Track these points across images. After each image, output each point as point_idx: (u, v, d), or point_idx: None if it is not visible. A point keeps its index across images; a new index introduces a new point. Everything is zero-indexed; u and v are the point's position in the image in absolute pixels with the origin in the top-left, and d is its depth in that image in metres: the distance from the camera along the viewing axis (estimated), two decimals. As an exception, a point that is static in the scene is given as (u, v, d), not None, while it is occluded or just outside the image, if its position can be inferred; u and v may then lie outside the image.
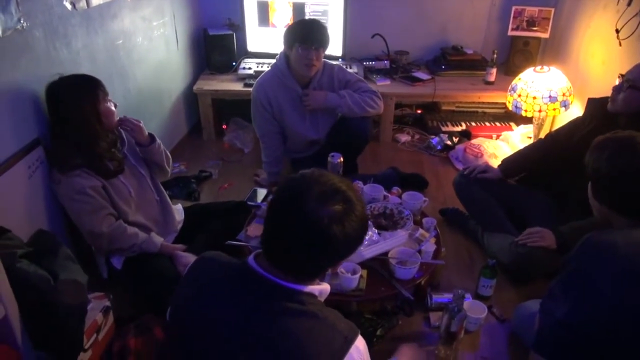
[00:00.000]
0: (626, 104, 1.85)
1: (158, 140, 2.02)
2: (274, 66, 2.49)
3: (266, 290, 1.02)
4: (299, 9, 3.26)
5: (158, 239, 1.94)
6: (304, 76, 2.43)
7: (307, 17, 3.18)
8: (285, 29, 2.39)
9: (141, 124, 1.94)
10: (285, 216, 1.01)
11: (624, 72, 1.92)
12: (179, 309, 1.11)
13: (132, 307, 1.86)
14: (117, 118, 1.86)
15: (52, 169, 1.77)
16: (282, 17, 3.29)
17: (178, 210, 2.22)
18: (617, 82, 1.92)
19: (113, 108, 1.82)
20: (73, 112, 1.72)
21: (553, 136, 2.27)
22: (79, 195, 1.75)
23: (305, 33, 2.30)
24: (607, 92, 2.01)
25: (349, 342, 1.00)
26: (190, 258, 1.90)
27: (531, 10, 3.21)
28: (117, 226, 1.83)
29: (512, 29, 3.30)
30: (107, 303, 1.63)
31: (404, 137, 3.36)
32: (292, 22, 3.26)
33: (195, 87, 3.20)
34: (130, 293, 1.92)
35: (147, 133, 1.97)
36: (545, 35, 3.24)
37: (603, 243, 1.26)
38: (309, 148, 2.71)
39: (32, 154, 1.72)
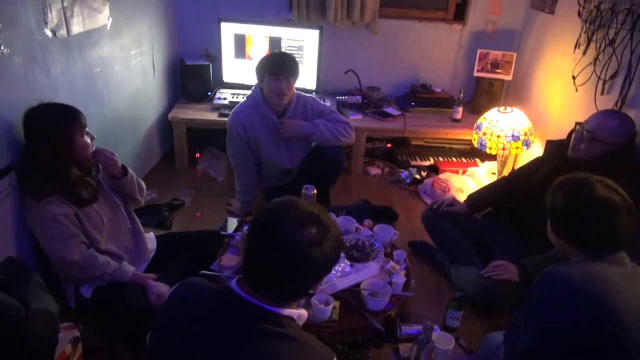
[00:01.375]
0: (588, 153, 1.97)
1: (131, 172, 2.01)
2: (249, 97, 2.54)
3: (248, 313, 1.06)
4: (275, 43, 3.35)
5: (129, 268, 1.92)
6: (278, 105, 2.50)
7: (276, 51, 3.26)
8: (259, 61, 2.46)
9: (115, 158, 1.93)
10: (264, 244, 1.05)
11: (580, 118, 2.05)
12: (160, 333, 1.12)
13: (101, 337, 1.82)
14: (92, 149, 1.85)
15: (25, 195, 1.75)
16: (259, 50, 3.37)
17: (150, 238, 2.20)
18: (576, 130, 2.03)
19: (89, 141, 1.80)
20: (47, 142, 1.72)
21: (516, 174, 2.39)
22: (51, 222, 1.73)
23: (274, 64, 2.38)
24: (564, 133, 2.14)
25: None
26: (162, 287, 1.89)
27: (495, 54, 3.40)
28: (89, 254, 1.81)
29: (478, 71, 3.47)
30: (77, 333, 1.60)
31: (375, 170, 3.45)
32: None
33: (170, 115, 3.22)
34: (99, 323, 1.89)
35: (120, 165, 1.96)
36: (508, 78, 3.43)
37: (559, 277, 1.34)
38: (283, 177, 2.75)
39: (4, 180, 1.70)
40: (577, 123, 2.04)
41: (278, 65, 2.37)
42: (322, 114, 2.62)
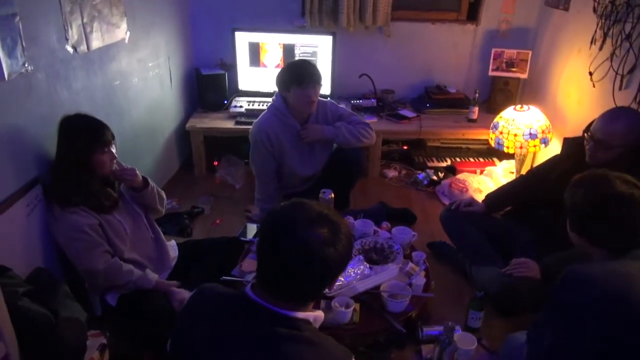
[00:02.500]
0: (606, 160, 1.92)
1: (151, 184, 2.04)
2: (271, 107, 2.57)
3: (264, 318, 1.07)
4: (289, 50, 3.39)
5: (153, 276, 1.96)
6: (303, 113, 2.53)
7: (296, 59, 3.30)
8: (278, 73, 2.48)
9: (135, 171, 1.96)
10: (277, 247, 1.05)
11: (598, 114, 2.01)
12: (180, 340, 1.14)
13: (127, 344, 1.86)
14: (113, 167, 1.88)
15: (52, 204, 1.80)
16: (273, 58, 3.41)
17: (172, 246, 2.24)
18: (586, 140, 1.99)
19: (107, 159, 1.83)
20: (67, 152, 1.78)
21: (534, 173, 2.38)
22: (76, 233, 1.77)
23: (302, 74, 2.40)
24: (582, 130, 2.12)
25: None
26: (185, 294, 1.92)
27: (510, 53, 3.38)
28: (113, 263, 1.85)
29: (493, 70, 3.46)
30: (104, 341, 1.63)
31: (392, 173, 3.45)
32: (282, 62, 3.39)
33: (187, 125, 3.27)
34: (125, 330, 1.93)
35: (140, 179, 1.99)
36: (524, 76, 3.40)
37: (582, 275, 1.32)
38: (304, 183, 2.78)
39: (31, 193, 1.76)
40: (584, 131, 2.01)
41: (307, 75, 2.40)
42: (342, 117, 2.65)
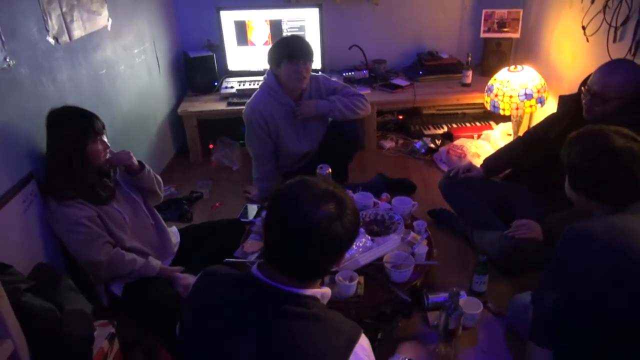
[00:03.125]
0: (604, 113, 1.89)
1: (147, 167, 2.04)
2: (263, 85, 2.52)
3: (271, 297, 1.07)
4: (276, 26, 3.33)
5: (156, 263, 1.96)
6: (296, 90, 2.49)
7: (285, 34, 3.24)
8: (269, 49, 2.44)
9: (130, 153, 1.95)
10: (285, 225, 1.05)
11: (593, 69, 1.97)
12: (188, 322, 1.15)
13: (136, 331, 1.87)
14: (107, 156, 1.86)
15: (47, 198, 1.79)
16: (260, 35, 3.35)
17: (173, 232, 2.24)
18: (583, 93, 1.95)
19: (100, 148, 1.81)
20: (59, 145, 1.76)
21: (531, 133, 2.35)
22: (75, 226, 1.77)
23: (291, 49, 2.36)
24: (577, 87, 2.09)
25: (354, 341, 1.05)
26: (189, 279, 1.93)
27: (501, 13, 3.32)
28: (115, 253, 1.85)
29: (484, 32, 3.40)
30: (112, 330, 1.65)
31: (389, 144, 3.43)
32: (270, 39, 3.34)
33: (179, 110, 3.24)
34: (132, 318, 1.94)
35: (136, 161, 1.99)
36: (516, 36, 3.35)
37: (583, 232, 1.31)
38: (301, 160, 2.76)
39: (26, 188, 1.75)
40: (581, 85, 1.98)
41: (296, 51, 2.35)
42: (336, 91, 2.62)
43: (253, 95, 2.55)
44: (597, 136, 1.41)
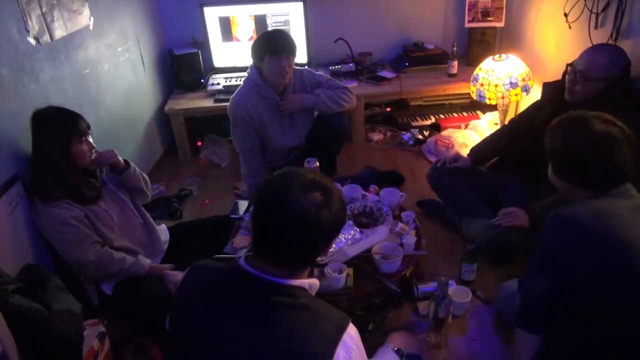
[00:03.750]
0: (585, 94, 1.92)
1: (133, 165, 2.03)
2: (247, 80, 2.52)
3: (258, 288, 1.08)
4: (260, 21, 3.31)
5: (146, 261, 1.96)
6: (279, 84, 2.49)
7: (269, 29, 3.23)
8: (252, 43, 2.43)
9: (115, 152, 1.94)
10: (273, 214, 1.07)
11: (576, 55, 2.00)
12: (177, 316, 1.16)
13: (126, 330, 1.87)
14: (92, 156, 1.85)
15: (34, 200, 1.78)
16: (245, 31, 3.34)
17: (163, 230, 2.24)
18: (568, 72, 1.98)
19: (86, 149, 1.80)
20: (43, 146, 1.75)
21: (516, 121, 2.37)
22: (62, 226, 1.76)
23: (274, 43, 2.35)
24: (561, 74, 2.11)
25: (342, 330, 1.07)
26: (179, 276, 1.90)
27: (484, 2, 3.33)
28: (104, 253, 1.85)
29: (469, 21, 3.41)
30: (102, 329, 1.65)
31: (377, 136, 3.44)
32: (255, 34, 3.33)
33: (166, 108, 3.22)
34: (123, 317, 1.94)
35: (121, 160, 1.98)
36: (501, 24, 3.36)
37: (567, 217, 1.33)
38: (289, 155, 2.76)
39: (12, 190, 1.74)
40: (567, 65, 2.00)
41: (278, 45, 2.34)
42: (320, 84, 2.61)
43: (237, 91, 2.55)
44: (578, 122, 1.42)
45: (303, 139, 2.70)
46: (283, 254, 1.09)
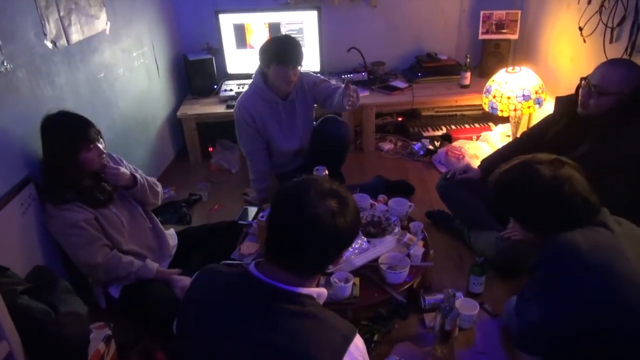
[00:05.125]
0: (598, 108, 1.90)
1: (141, 182, 2.01)
2: (251, 84, 2.56)
3: (267, 294, 1.08)
4: (274, 29, 3.34)
5: (153, 265, 1.97)
6: (283, 92, 2.51)
7: (281, 34, 3.23)
8: (261, 46, 2.44)
9: (120, 172, 1.92)
10: (290, 218, 1.09)
11: (590, 69, 1.98)
12: (185, 320, 1.17)
13: (133, 334, 1.88)
14: (103, 162, 1.86)
15: (45, 203, 1.80)
16: (259, 38, 3.36)
17: (171, 235, 2.25)
18: (582, 86, 1.96)
19: (95, 156, 1.81)
20: (53, 152, 1.77)
21: (528, 134, 2.35)
22: (72, 229, 1.78)
23: (282, 53, 2.36)
24: (575, 88, 2.09)
25: (348, 340, 1.06)
26: (187, 281, 1.93)
27: (499, 14, 3.32)
28: (112, 256, 1.86)
29: (483, 33, 3.40)
30: (109, 332, 1.66)
31: (387, 145, 3.44)
32: (268, 41, 3.33)
33: (179, 113, 3.25)
34: (129, 320, 1.95)
35: (128, 176, 1.96)
36: (515, 37, 3.35)
37: (567, 246, 1.29)
38: (294, 160, 2.77)
39: (24, 192, 1.76)
40: (582, 78, 1.98)
41: (287, 55, 2.36)
42: (316, 85, 2.62)
43: (241, 94, 2.59)
44: (523, 178, 1.39)
45: (306, 143, 2.71)
46: (296, 260, 1.10)
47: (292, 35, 3.22)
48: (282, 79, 2.40)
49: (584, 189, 1.33)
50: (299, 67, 2.42)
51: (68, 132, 1.77)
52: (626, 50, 2.15)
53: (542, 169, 1.35)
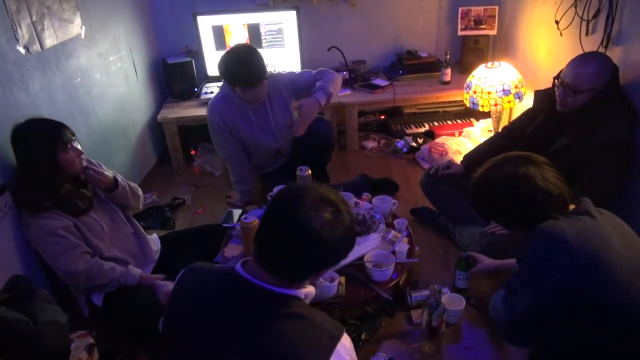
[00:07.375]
0: (575, 105, 1.92)
1: (122, 184, 1.98)
2: (222, 86, 2.52)
3: (254, 295, 1.07)
4: (254, 30, 3.32)
5: (136, 271, 1.94)
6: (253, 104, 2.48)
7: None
8: (218, 65, 2.35)
9: (102, 174, 1.89)
10: (284, 231, 1.06)
11: (567, 62, 2.01)
12: (171, 318, 1.15)
13: (117, 341, 1.85)
14: (83, 163, 1.83)
15: (21, 212, 1.76)
16: (239, 40, 3.34)
17: (154, 240, 2.22)
18: (556, 86, 1.99)
19: (74, 157, 1.78)
20: (30, 158, 1.73)
21: (509, 129, 2.37)
22: (50, 237, 1.74)
23: (244, 77, 2.29)
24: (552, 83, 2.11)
25: (336, 339, 1.06)
26: (170, 286, 1.88)
27: (477, 10, 3.35)
28: (93, 263, 1.82)
29: (462, 29, 3.42)
30: (91, 340, 1.62)
31: (371, 144, 3.44)
32: (249, 42, 3.29)
33: (159, 117, 3.21)
34: (113, 327, 1.92)
35: (109, 179, 1.93)
36: (493, 32, 3.38)
37: (553, 234, 1.30)
38: (276, 160, 2.75)
39: None
40: (554, 78, 2.01)
41: (252, 78, 2.29)
42: (295, 82, 2.58)
43: (213, 97, 2.57)
44: (488, 178, 1.42)
45: (286, 142, 2.67)
46: (280, 265, 1.08)
47: (271, 36, 3.20)
48: (250, 98, 2.39)
49: (548, 183, 1.33)
50: (265, 80, 2.35)
51: (42, 135, 1.73)
52: (601, 42, 2.17)
53: (505, 169, 1.38)
